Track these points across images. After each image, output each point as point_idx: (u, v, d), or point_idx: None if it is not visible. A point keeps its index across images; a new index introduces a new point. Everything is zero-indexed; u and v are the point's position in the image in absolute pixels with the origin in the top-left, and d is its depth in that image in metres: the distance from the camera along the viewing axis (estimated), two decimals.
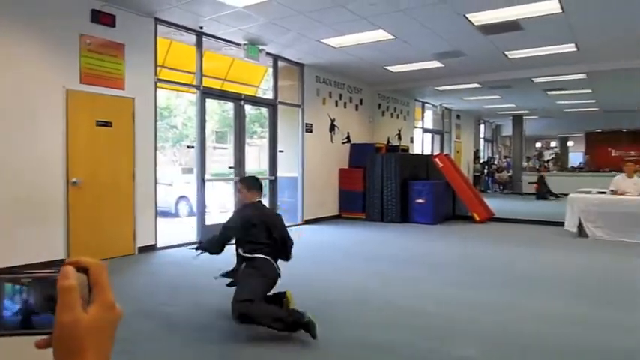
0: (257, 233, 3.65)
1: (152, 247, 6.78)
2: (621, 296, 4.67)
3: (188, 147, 10.80)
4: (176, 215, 11.31)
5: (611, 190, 8.31)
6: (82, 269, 0.52)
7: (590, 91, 13.09)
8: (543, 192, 15.70)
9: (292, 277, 5.36)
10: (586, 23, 7.02)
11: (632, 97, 14.22)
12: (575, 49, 8.39)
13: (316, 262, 6.18)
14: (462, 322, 3.83)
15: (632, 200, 7.83)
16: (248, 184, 3.94)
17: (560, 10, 6.37)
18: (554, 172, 19.59)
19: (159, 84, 6.96)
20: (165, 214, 10.46)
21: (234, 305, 3.36)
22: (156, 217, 6.89)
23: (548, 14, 6.51)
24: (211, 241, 3.82)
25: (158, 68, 7.01)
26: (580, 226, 8.16)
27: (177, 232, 8.18)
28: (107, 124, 6.15)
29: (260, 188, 3.97)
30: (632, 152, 20.73)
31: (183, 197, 11.50)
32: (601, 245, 7.44)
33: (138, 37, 6.52)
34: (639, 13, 6.54)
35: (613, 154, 21.26)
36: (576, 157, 24.14)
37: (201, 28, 7.26)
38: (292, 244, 3.83)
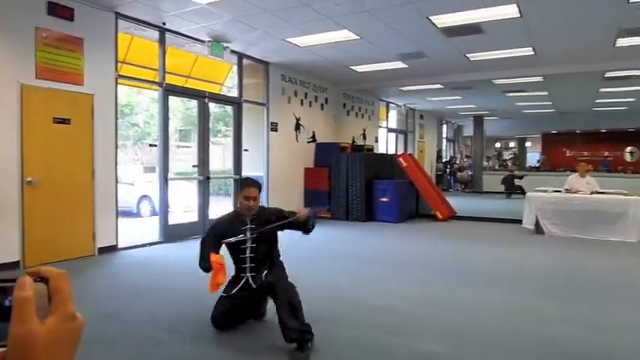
0: None
1: (113, 248, 6.60)
2: (581, 292, 4.86)
3: (150, 145, 10.59)
4: (138, 215, 11.06)
5: (566, 189, 8.65)
6: (43, 279, 0.50)
7: (546, 93, 13.58)
8: (510, 190, 16.11)
9: None
10: (543, 28, 7.27)
11: (585, 100, 14.84)
12: (532, 53, 8.68)
13: None
14: (428, 320, 3.91)
15: (585, 198, 8.18)
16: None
17: (519, 15, 6.57)
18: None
19: (120, 80, 6.78)
20: (127, 213, 10.20)
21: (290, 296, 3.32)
22: (117, 217, 6.72)
23: (507, 18, 6.71)
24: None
25: (119, 64, 6.84)
26: (537, 224, 8.47)
27: (139, 232, 8.01)
28: (65, 121, 5.95)
29: None
30: (586, 152, 21.64)
31: (145, 196, 11.24)
32: (557, 242, 7.74)
33: (98, 31, 6.33)
34: (592, 20, 6.83)
35: (568, 154, 22.13)
36: (534, 156, 24.98)
37: (164, 23, 7.11)
38: None
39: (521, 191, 15.57)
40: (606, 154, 21.55)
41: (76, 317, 0.52)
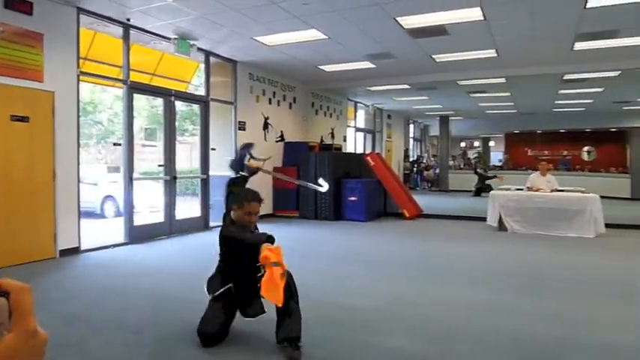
0: None
1: (75, 250, 6.41)
2: (543, 287, 5.02)
3: (114, 144, 10.34)
4: (102, 216, 10.79)
5: (528, 187, 8.93)
6: (3, 293, 0.48)
7: (509, 94, 13.95)
8: (479, 188, 16.47)
9: None
10: (505, 31, 7.47)
11: (545, 101, 15.34)
12: (495, 55, 8.91)
13: None
14: (396, 317, 3.96)
15: (545, 196, 8.46)
16: None
17: (483, 18, 6.74)
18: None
19: (82, 77, 6.60)
20: (90, 214, 9.95)
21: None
22: (79, 219, 6.53)
23: (472, 21, 6.87)
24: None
25: (81, 61, 6.64)
26: (500, 221, 8.71)
27: (103, 234, 7.82)
28: (23, 119, 5.74)
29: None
30: (546, 152, 22.37)
31: (109, 197, 10.98)
32: (519, 238, 7.98)
33: (58, 26, 6.13)
34: (551, 24, 7.06)
35: (529, 154, 22.82)
36: (497, 155, 25.65)
37: (128, 20, 6.95)
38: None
39: (490, 189, 15.99)
40: (565, 153, 22.34)
41: (38, 333, 0.49)
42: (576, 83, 11.81)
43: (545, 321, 3.85)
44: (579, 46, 8.16)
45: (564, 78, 11.06)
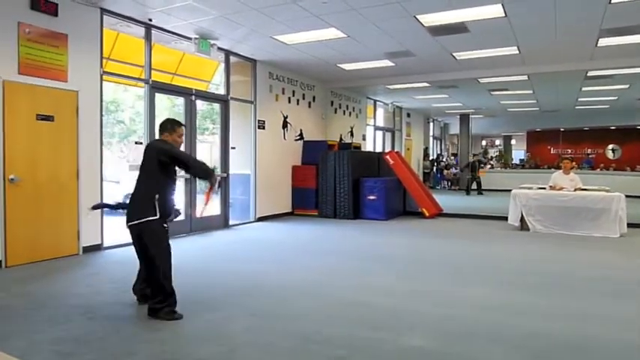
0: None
1: (97, 247, 6.54)
2: (564, 287, 4.94)
3: (136, 143, 10.48)
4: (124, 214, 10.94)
5: (550, 186, 8.78)
6: None
7: (531, 91, 13.73)
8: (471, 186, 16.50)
9: (240, 274, 5.35)
10: (527, 28, 7.35)
11: (568, 98, 15.05)
12: (517, 52, 8.78)
13: (268, 260, 6.18)
14: (414, 315, 3.94)
15: (568, 195, 8.30)
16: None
17: (504, 15, 6.65)
18: (499, 168, 20.43)
19: (105, 77, 6.71)
20: (113, 212, 10.10)
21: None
22: (102, 216, 6.65)
23: (492, 18, 6.78)
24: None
25: (104, 60, 6.76)
26: (522, 220, 8.58)
27: (125, 231, 7.91)
28: (49, 118, 5.87)
29: (162, 128, 4.13)
30: (569, 150, 21.97)
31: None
32: (541, 238, 7.85)
33: (82, 27, 6.25)
34: (574, 20, 6.92)
35: (552, 152, 22.44)
36: (519, 154, 25.28)
37: (150, 20, 7.05)
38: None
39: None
40: (589, 151, 21.90)
41: None
42: (600, 80, 11.57)
43: (563, 319, 3.79)
44: (603, 42, 7.98)
45: (588, 75, 10.84)
